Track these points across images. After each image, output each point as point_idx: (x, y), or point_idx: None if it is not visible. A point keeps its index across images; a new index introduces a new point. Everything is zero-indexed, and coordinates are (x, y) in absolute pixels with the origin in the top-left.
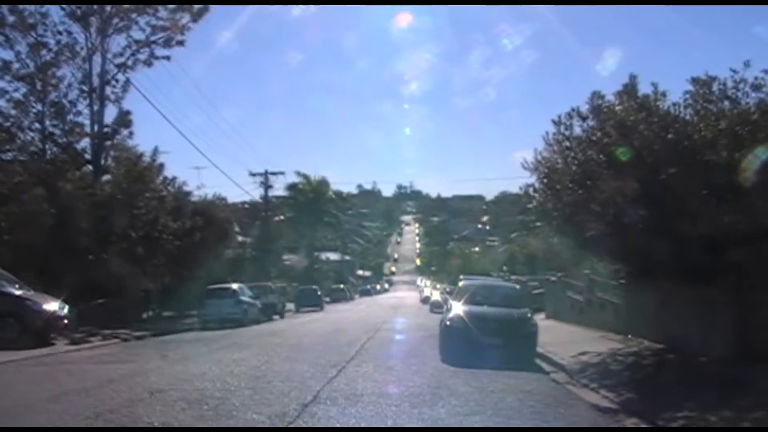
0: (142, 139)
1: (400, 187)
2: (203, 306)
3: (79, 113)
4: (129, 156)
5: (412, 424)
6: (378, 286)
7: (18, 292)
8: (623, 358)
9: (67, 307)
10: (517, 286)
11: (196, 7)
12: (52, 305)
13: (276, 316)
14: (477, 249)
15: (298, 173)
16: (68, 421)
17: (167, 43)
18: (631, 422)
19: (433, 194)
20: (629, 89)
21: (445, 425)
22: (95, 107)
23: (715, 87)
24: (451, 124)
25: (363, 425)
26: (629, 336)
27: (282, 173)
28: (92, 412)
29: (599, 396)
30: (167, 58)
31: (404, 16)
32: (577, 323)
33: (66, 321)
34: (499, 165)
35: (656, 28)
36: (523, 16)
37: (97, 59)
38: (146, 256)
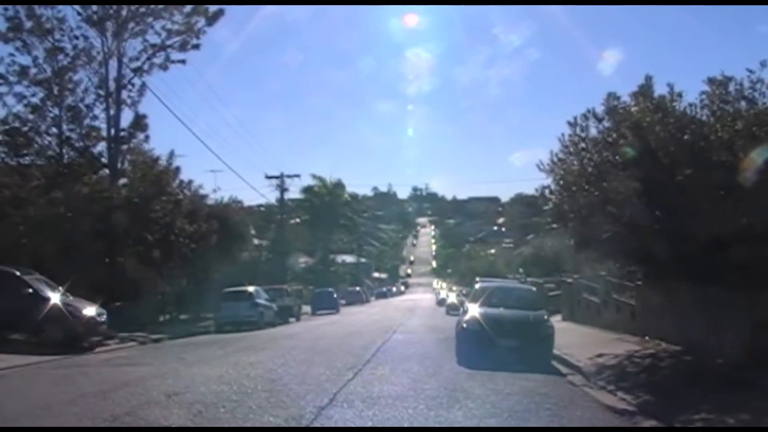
0: (158, 143)
1: (415, 189)
2: (219, 309)
3: (95, 117)
4: (145, 159)
5: (428, 426)
6: (394, 289)
7: (59, 298)
8: (640, 360)
9: (105, 312)
10: (533, 288)
11: (212, 10)
12: (91, 310)
13: (292, 319)
14: (493, 251)
15: (314, 176)
16: (86, 423)
17: (183, 47)
18: (648, 424)
19: (449, 196)
20: (645, 90)
21: (462, 427)
22: (111, 111)
23: (731, 87)
24: (462, 125)
25: (379, 427)
26: (646, 338)
27: (297, 176)
28: (109, 415)
29: (616, 398)
30: (183, 61)
31: (411, 17)
32: (593, 325)
33: (105, 326)
34: (514, 166)
35: (665, 26)
36: (528, 14)
37: (113, 63)
38: (163, 260)
